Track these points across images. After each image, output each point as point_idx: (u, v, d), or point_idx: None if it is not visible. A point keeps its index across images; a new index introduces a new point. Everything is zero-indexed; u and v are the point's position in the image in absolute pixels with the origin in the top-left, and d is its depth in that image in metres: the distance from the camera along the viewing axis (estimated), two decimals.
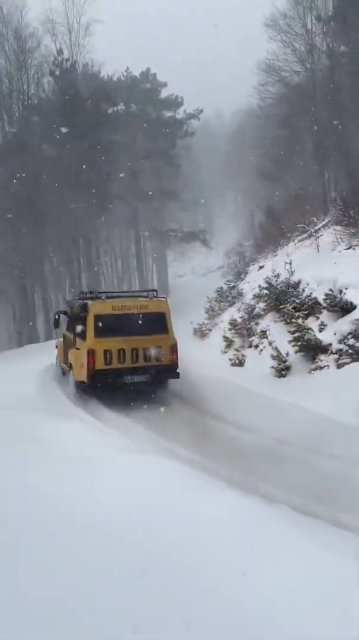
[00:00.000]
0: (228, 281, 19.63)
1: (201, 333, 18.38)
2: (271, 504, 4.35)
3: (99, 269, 34.86)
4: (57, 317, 12.27)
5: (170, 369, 9.89)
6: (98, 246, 34.28)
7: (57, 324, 12.34)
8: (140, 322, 9.70)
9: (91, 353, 9.19)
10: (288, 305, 12.09)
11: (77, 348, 9.79)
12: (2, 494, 4.01)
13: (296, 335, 10.62)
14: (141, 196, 35.97)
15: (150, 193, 34.96)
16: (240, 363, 12.52)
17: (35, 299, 29.68)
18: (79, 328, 9.74)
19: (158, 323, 10.04)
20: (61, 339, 12.13)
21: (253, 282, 16.80)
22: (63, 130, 25.78)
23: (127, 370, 9.38)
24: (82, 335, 9.57)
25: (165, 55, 46.85)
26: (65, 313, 11.91)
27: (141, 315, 9.81)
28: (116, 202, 32.74)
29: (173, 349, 10.07)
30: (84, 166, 26.61)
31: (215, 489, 4.58)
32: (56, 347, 12.80)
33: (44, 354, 15.63)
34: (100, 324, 9.40)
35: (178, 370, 9.98)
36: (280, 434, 6.95)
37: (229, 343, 14.02)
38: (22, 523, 3.57)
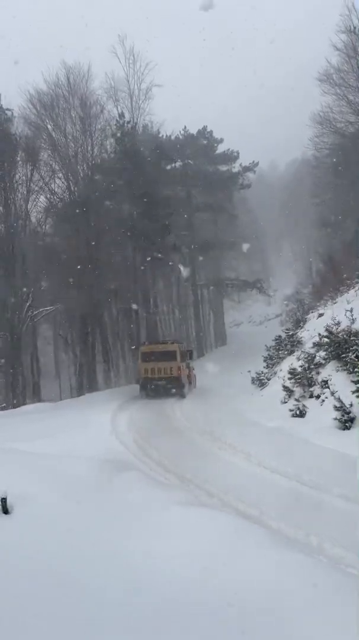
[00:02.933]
0: (287, 329, 19.30)
1: (259, 382, 18.03)
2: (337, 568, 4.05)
3: (157, 318, 35.35)
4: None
5: (177, 379, 18.72)
6: (156, 295, 34.97)
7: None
8: (162, 355, 19.10)
9: (139, 370, 19.42)
10: (350, 353, 11.69)
11: (138, 369, 19.87)
12: (49, 547, 3.98)
13: None
14: (198, 247, 36.75)
15: (207, 243, 35.73)
16: (301, 414, 12.07)
17: (96, 348, 30.34)
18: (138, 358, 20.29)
19: (172, 355, 19.13)
20: None
21: (312, 330, 16.41)
22: (124, 187, 27.13)
23: (156, 378, 18.77)
24: (138, 362, 20.15)
25: (221, 114, 48.80)
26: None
27: (163, 352, 19.32)
28: (174, 252, 33.55)
29: (179, 369, 18.83)
30: (144, 220, 27.59)
31: (274, 548, 4.33)
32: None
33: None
34: (144, 356, 19.57)
35: (182, 381, 18.87)
36: (347, 490, 6.54)
37: (289, 393, 13.61)
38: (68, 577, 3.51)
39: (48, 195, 26.74)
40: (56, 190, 27.35)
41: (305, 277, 47.42)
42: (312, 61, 30.84)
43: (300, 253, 59.76)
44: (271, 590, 3.47)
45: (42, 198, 26.54)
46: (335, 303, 19.20)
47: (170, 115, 43.48)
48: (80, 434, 10.46)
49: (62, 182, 27.38)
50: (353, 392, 10.25)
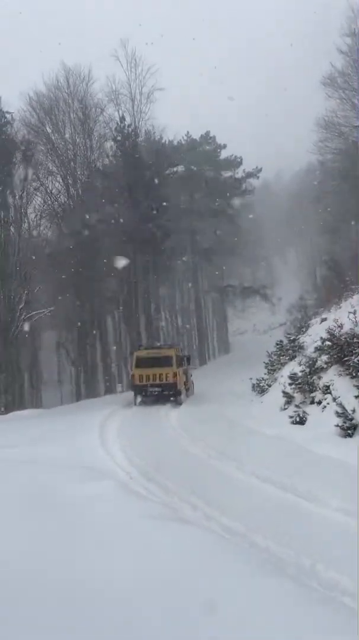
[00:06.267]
0: (288, 334, 18.63)
1: (260, 389, 17.33)
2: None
3: (158, 325, 34.74)
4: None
5: (172, 385, 17.77)
6: (158, 302, 34.37)
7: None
8: (157, 360, 18.12)
9: (134, 376, 18.36)
10: (353, 357, 11.02)
11: (132, 374, 18.87)
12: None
13: None
14: (200, 253, 36.18)
15: (209, 250, 35.20)
16: (301, 421, 11.38)
17: (96, 355, 29.76)
18: (132, 363, 19.21)
19: (167, 361, 18.10)
20: None
21: (315, 335, 15.75)
22: (124, 191, 26.70)
23: (151, 385, 17.77)
24: (132, 367, 19.08)
25: (226, 120, 48.44)
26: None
27: (159, 357, 18.32)
28: (176, 258, 33.03)
29: (175, 375, 17.85)
30: (144, 225, 27.10)
31: (258, 571, 3.66)
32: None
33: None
34: (138, 361, 18.44)
35: (178, 388, 17.88)
36: (347, 503, 5.84)
37: (289, 399, 12.93)
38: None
39: (46, 199, 26.24)
40: (54, 193, 26.84)
41: (310, 285, 46.73)
42: (318, 67, 30.50)
43: (306, 262, 59.04)
44: (252, 629, 2.80)
45: (39, 200, 26.06)
46: (339, 308, 18.53)
47: (171, 121, 43.15)
48: (64, 441, 9.83)
49: (61, 185, 26.94)
50: (356, 397, 9.62)
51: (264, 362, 18.93)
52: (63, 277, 24.06)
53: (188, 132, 36.71)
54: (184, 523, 4.64)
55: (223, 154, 38.53)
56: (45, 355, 35.30)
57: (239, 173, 38.31)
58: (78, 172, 27.00)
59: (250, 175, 38.15)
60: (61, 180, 26.58)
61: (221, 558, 4.01)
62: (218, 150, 38.34)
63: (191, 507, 6.02)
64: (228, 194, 36.66)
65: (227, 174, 38.33)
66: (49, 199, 26.03)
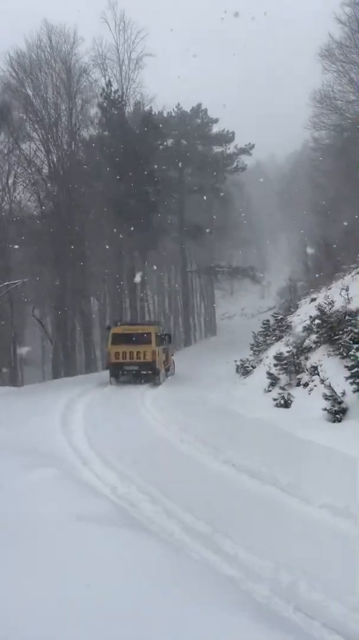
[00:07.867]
0: (276, 314, 17.69)
1: (244, 370, 16.43)
2: None
3: (144, 305, 33.58)
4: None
5: (150, 364, 16.57)
6: (144, 282, 33.15)
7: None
8: (135, 337, 17.07)
9: (109, 354, 16.98)
10: (344, 335, 10.11)
11: (107, 352, 17.55)
12: None
13: (354, 370, 8.59)
14: (189, 231, 34.92)
15: (198, 227, 34.02)
16: (286, 404, 10.45)
17: (77, 333, 28.64)
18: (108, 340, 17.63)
19: (146, 338, 17.00)
20: None
21: (303, 315, 14.88)
22: (109, 161, 25.36)
23: (127, 363, 16.56)
24: (107, 344, 17.71)
25: (219, 93, 46.69)
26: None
27: (137, 334, 17.32)
28: (163, 235, 31.77)
29: (154, 353, 16.66)
30: (130, 198, 25.84)
31: (217, 600, 2.70)
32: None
33: None
34: (115, 338, 17.03)
35: (157, 367, 16.72)
36: (335, 499, 4.93)
37: (274, 380, 12.01)
38: None
39: (22, 163, 24.60)
40: (34, 160, 25.17)
41: (301, 266, 45.88)
42: (314, 42, 29.17)
43: (297, 247, 58.06)
44: None
45: (17, 167, 24.44)
46: (330, 289, 17.68)
47: (161, 92, 41.34)
48: (18, 421, 8.81)
49: (41, 152, 25.32)
50: (347, 379, 8.68)
51: (250, 344, 18.07)
52: (42, 248, 22.81)
53: (178, 104, 35.12)
54: (133, 529, 3.66)
55: (215, 129, 37.10)
56: (29, 333, 34.12)
57: (231, 149, 36.93)
58: (61, 139, 25.39)
59: (242, 151, 36.77)
60: (41, 146, 24.97)
61: (173, 581, 3.05)
62: (210, 124, 36.87)
63: (150, 501, 5.07)
64: (219, 171, 35.32)
65: (218, 149, 36.95)
66: (25, 162, 24.35)
